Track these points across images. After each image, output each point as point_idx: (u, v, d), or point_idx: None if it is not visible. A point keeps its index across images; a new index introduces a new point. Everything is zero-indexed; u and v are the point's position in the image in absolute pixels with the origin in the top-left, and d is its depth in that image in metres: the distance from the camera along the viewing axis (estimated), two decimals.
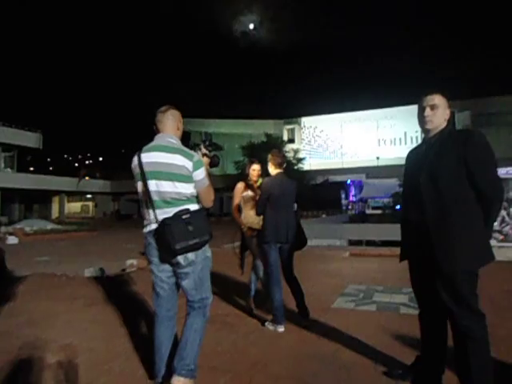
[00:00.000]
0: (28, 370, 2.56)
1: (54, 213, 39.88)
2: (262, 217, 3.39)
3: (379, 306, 3.94)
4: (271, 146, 29.03)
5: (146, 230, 2.23)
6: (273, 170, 3.46)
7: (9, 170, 33.80)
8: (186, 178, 2.16)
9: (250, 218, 3.64)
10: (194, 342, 2.16)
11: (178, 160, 2.15)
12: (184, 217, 2.09)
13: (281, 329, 3.20)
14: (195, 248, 2.12)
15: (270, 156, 3.47)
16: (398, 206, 24.71)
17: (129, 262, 7.31)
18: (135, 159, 2.23)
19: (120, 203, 43.60)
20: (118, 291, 4.80)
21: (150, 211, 2.18)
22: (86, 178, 44.47)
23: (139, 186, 2.23)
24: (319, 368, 2.50)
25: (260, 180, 3.75)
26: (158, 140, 2.28)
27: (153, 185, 2.17)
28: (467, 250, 1.84)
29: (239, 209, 3.82)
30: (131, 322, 3.55)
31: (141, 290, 4.81)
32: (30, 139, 32.87)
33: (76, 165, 67.60)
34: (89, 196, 46.69)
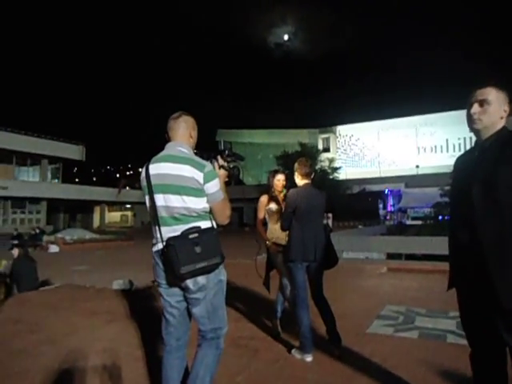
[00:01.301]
0: None
1: (96, 222, 41.40)
2: (287, 232, 3.11)
3: (422, 332, 3.50)
4: (306, 156, 28.67)
5: (154, 249, 2.01)
6: (299, 180, 3.16)
7: (55, 181, 35.61)
8: (196, 192, 1.91)
9: (276, 232, 3.37)
10: (205, 379, 1.89)
11: (187, 171, 1.90)
12: (191, 236, 1.84)
13: (309, 358, 2.87)
14: (205, 271, 1.87)
15: (296, 165, 3.18)
16: (440, 217, 23.40)
17: None
18: (143, 171, 2.02)
19: None
20: (143, 306, 4.65)
21: (157, 228, 1.96)
22: (126, 188, 45.98)
23: (147, 200, 2.01)
24: None
25: (284, 191, 3.48)
26: (168, 149, 2.06)
27: (160, 199, 1.94)
28: None
29: (265, 223, 3.56)
30: (151, 342, 3.35)
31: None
32: (73, 152, 34.55)
33: (117, 175, 70.28)
34: (128, 206, 48.14)
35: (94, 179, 65.02)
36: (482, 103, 1.66)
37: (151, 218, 2.01)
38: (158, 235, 1.94)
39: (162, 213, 1.94)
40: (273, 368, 2.77)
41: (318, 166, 30.54)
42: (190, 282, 1.87)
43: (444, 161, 32.83)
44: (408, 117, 38.44)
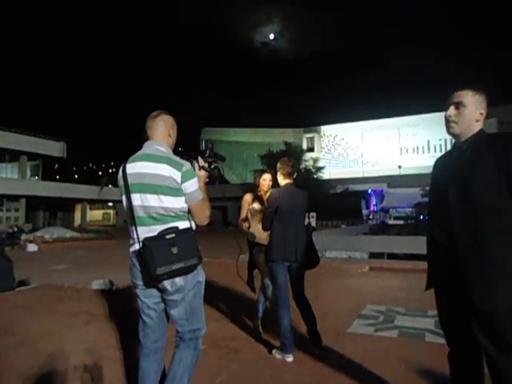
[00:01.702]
0: None
1: (77, 220, 40.61)
2: (269, 232, 3.09)
3: (401, 331, 3.54)
4: (290, 155, 28.77)
5: (130, 250, 1.96)
6: (281, 180, 3.14)
7: (35, 178, 34.77)
8: (174, 191, 1.87)
9: (258, 232, 3.35)
10: (183, 380, 1.86)
11: (165, 170, 1.87)
12: (168, 237, 1.80)
13: (289, 358, 2.86)
14: (182, 273, 1.83)
15: (278, 165, 3.16)
16: (421, 217, 23.83)
17: None
18: (120, 170, 1.97)
19: None
20: (123, 307, 4.56)
21: (134, 229, 1.91)
22: (109, 186, 45.27)
23: (123, 200, 1.96)
24: None
25: (271, 191, 3.46)
26: (145, 148, 2.01)
27: (137, 199, 1.90)
28: (511, 282, 1.48)
29: (248, 223, 3.54)
30: (130, 344, 3.28)
31: None
32: (54, 148, 33.75)
33: (99, 173, 69.13)
34: (110, 204, 47.41)
35: (76, 177, 63.78)
36: (457, 105, 1.67)
37: (128, 218, 1.96)
38: (135, 235, 1.90)
39: (139, 212, 1.90)
40: (253, 369, 2.75)
41: (302, 166, 30.70)
42: (167, 284, 1.84)
43: (425, 161, 33.50)
44: (391, 118, 39.05)
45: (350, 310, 4.31)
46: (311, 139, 42.21)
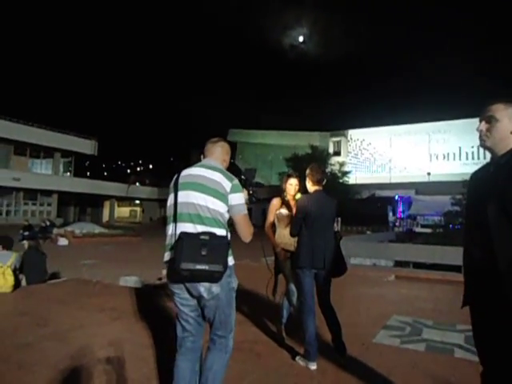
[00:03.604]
0: None
1: (105, 216, 41.82)
2: (296, 238, 3.08)
3: (429, 345, 3.44)
4: (316, 158, 28.58)
5: (167, 254, 2.00)
6: (310, 186, 3.13)
7: (67, 174, 36.06)
8: (220, 196, 1.97)
9: (284, 238, 3.34)
10: (216, 381, 1.95)
11: (217, 177, 2.00)
12: (202, 237, 1.86)
13: (313, 366, 2.84)
14: (204, 276, 1.85)
15: (308, 171, 3.14)
16: (450, 226, 23.09)
17: (164, 271, 7.24)
18: (175, 177, 2.10)
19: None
20: (149, 305, 4.66)
21: (171, 226, 1.99)
22: (136, 184, 46.33)
23: (169, 198, 2.06)
24: None
25: (298, 195, 3.45)
26: (202, 162, 2.17)
27: (183, 196, 2.00)
28: None
29: (273, 227, 3.54)
30: (155, 342, 3.36)
31: (171, 305, 4.65)
32: (86, 146, 34.94)
33: (128, 171, 70.82)
34: (137, 202, 48.52)
35: (105, 174, 65.63)
36: (489, 120, 1.65)
37: (169, 217, 2.04)
38: (173, 231, 1.95)
39: (182, 209, 1.98)
40: (277, 375, 2.75)
41: (328, 170, 30.41)
42: (204, 291, 1.90)
43: (456, 169, 32.46)
44: (421, 123, 38.06)
45: (376, 319, 4.23)
46: (338, 143, 41.73)
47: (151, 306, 4.60)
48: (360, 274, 7.50)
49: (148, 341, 3.38)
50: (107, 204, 42.22)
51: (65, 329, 3.64)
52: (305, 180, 3.24)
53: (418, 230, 28.86)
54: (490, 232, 1.54)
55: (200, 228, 1.92)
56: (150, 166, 73.27)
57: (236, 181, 2.04)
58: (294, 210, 3.25)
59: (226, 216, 2.01)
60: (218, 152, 2.19)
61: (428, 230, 26.36)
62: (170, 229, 2.00)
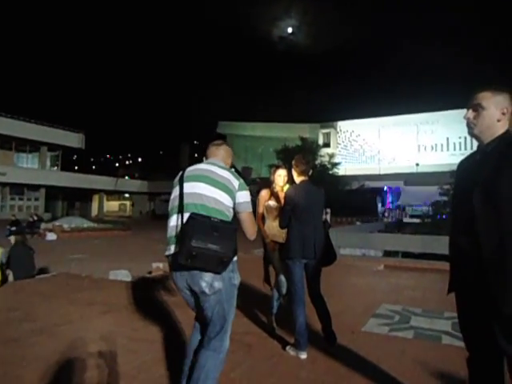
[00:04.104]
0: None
1: (94, 211, 41.40)
2: (286, 229, 3.08)
3: (417, 333, 3.50)
4: (306, 150, 28.61)
5: (171, 247, 1.98)
6: (296, 177, 3.13)
7: (54, 168, 35.53)
8: (227, 189, 1.99)
9: (273, 229, 3.35)
10: (207, 381, 1.89)
11: (226, 174, 2.06)
12: (214, 220, 1.87)
13: (303, 355, 2.86)
14: (211, 257, 1.81)
15: (293, 162, 3.15)
16: (438, 216, 23.42)
17: (154, 264, 7.22)
18: (180, 173, 2.11)
19: (156, 203, 44.57)
20: (138, 297, 4.64)
21: (175, 217, 1.97)
22: (126, 177, 45.89)
23: (174, 191, 2.06)
24: None
25: (287, 187, 3.45)
26: (208, 160, 2.20)
27: (188, 187, 2.00)
28: None
29: (263, 218, 3.53)
30: (146, 335, 3.35)
31: (161, 297, 4.64)
32: (73, 139, 34.41)
33: (116, 165, 70.04)
34: (127, 195, 48.13)
35: (93, 168, 64.87)
36: (476, 108, 1.66)
37: (172, 209, 2.04)
38: (179, 223, 1.93)
39: (188, 199, 1.98)
40: (267, 365, 2.77)
41: (317, 161, 30.49)
42: (206, 287, 1.89)
43: (444, 159, 32.81)
44: (409, 114, 38.29)
45: (365, 308, 4.29)
46: (327, 135, 41.80)
47: (141, 299, 4.58)
48: (349, 263, 7.58)
49: (139, 334, 3.37)
50: (96, 198, 41.79)
51: (54, 324, 3.60)
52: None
53: (407, 220, 29.24)
54: (475, 220, 1.55)
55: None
56: (139, 160, 72.54)
57: (242, 180, 2.10)
58: (283, 202, 3.25)
59: (231, 212, 2.03)
60: (221, 154, 2.23)
61: (416, 220, 26.72)
62: (174, 220, 1.99)
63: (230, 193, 2.00)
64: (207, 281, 1.88)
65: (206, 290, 1.89)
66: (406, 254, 10.86)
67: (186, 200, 1.97)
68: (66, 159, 40.59)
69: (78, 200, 40.06)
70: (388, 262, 8.25)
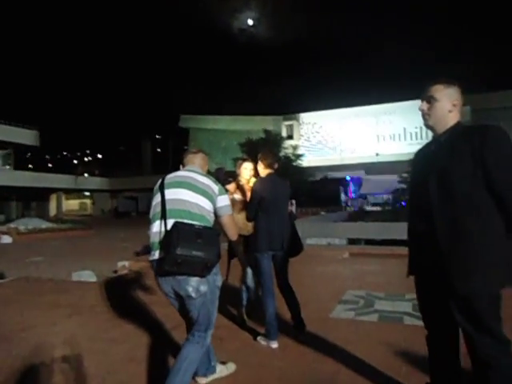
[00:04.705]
0: None
1: (52, 210, 39.62)
2: (251, 223, 3.11)
3: (381, 315, 3.67)
4: (270, 143, 28.76)
5: (155, 253, 2.02)
6: (263, 170, 3.17)
7: (6, 167, 33.54)
8: (207, 195, 2.07)
9: (238, 222, 3.35)
10: (186, 375, 1.99)
11: (205, 180, 2.14)
12: (197, 227, 1.93)
13: (274, 345, 2.93)
14: (199, 265, 1.89)
15: (260, 155, 3.19)
16: (398, 203, 24.44)
17: (120, 263, 7.05)
18: (159, 181, 2.16)
19: (118, 200, 43.33)
20: (105, 298, 4.53)
21: (158, 223, 2.02)
22: (85, 174, 44.16)
23: (155, 198, 2.11)
24: None
25: (253, 180, 3.47)
26: (186, 168, 2.28)
27: (170, 193, 2.05)
28: (486, 267, 1.56)
29: None
30: (114, 335, 3.28)
31: (128, 297, 4.56)
32: (26, 136, 32.58)
33: (75, 162, 67.17)
34: (87, 193, 46.41)
35: (50, 166, 61.89)
36: (429, 100, 1.76)
37: (153, 215, 2.08)
38: (161, 229, 1.98)
39: (170, 205, 2.02)
40: (240, 356, 2.80)
41: (281, 153, 30.76)
42: (192, 291, 1.97)
43: (402, 149, 34.06)
44: (368, 105, 39.42)
45: (332, 295, 4.43)
46: (290, 127, 42.17)
47: (108, 299, 4.47)
48: (316, 253, 7.77)
49: (106, 335, 3.30)
50: (54, 197, 39.99)
51: (15, 329, 3.45)
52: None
53: (369, 208, 30.31)
54: (431, 206, 1.65)
55: (189, 222, 1.98)
56: (99, 156, 69.93)
57: (220, 185, 2.21)
58: (249, 195, 3.27)
59: (213, 216, 2.11)
60: (198, 162, 2.33)
61: (378, 208, 27.76)
62: (156, 226, 2.04)
63: (211, 198, 2.10)
64: (193, 285, 1.97)
65: (193, 294, 1.98)
66: (369, 241, 11.29)
67: (168, 206, 2.03)
68: (20, 157, 38.38)
69: (33, 200, 38.14)
70: (352, 249, 8.53)
